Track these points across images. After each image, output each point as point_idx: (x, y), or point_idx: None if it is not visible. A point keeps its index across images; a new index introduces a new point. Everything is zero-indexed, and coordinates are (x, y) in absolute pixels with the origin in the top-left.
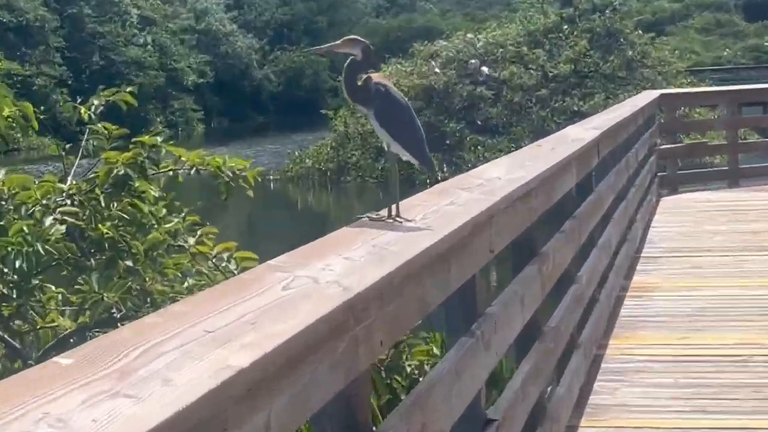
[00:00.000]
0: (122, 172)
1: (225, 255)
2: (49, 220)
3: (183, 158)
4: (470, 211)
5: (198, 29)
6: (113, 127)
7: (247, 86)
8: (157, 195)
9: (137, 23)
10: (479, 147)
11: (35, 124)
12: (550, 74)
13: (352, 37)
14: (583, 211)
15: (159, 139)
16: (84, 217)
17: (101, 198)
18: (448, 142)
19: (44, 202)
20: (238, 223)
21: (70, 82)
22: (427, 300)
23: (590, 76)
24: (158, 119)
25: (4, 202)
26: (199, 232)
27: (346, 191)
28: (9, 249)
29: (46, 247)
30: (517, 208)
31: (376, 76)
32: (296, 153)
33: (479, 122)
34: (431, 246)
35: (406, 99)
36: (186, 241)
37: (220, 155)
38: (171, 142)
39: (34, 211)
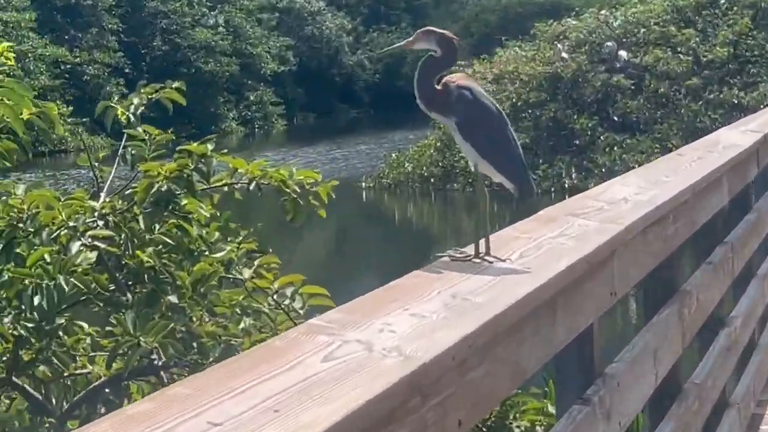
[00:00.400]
0: (165, 187)
1: (289, 291)
2: (76, 246)
3: (241, 170)
4: (584, 246)
5: (279, 7)
6: (156, 131)
7: (337, 75)
8: (208, 215)
9: (206, 1)
10: (615, 148)
11: (60, 129)
12: (704, 59)
13: (427, 28)
14: (739, 236)
15: (210, 146)
16: (120, 242)
17: (140, 219)
18: (577, 142)
19: (71, 224)
20: (322, 243)
21: (127, 71)
22: (525, 363)
23: (753, 61)
24: (230, 115)
25: (22, 225)
26: (256, 262)
27: (453, 202)
28: (26, 282)
29: (71, 279)
30: (649, 238)
31: (458, 78)
32: (393, 155)
33: (616, 118)
34: (530, 294)
35: (498, 106)
36: (240, 273)
37: (286, 166)
38: (224, 151)
39: (59, 235)
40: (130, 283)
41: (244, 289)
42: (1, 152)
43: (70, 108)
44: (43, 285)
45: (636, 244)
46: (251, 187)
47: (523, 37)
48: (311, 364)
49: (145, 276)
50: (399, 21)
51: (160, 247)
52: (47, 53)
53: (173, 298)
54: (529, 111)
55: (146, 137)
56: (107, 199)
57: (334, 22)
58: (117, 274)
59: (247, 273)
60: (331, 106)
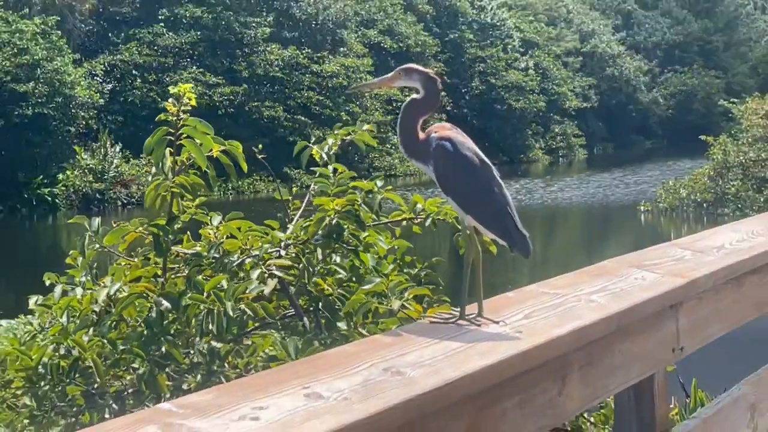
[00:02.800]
0: (335, 221)
1: None
2: (255, 274)
3: (419, 205)
4: (616, 305)
5: (583, 51)
6: (342, 167)
7: (634, 111)
8: (387, 247)
9: (519, 47)
10: None
11: (244, 165)
12: None
13: (408, 66)
14: None
15: (378, 183)
16: (297, 270)
17: (318, 250)
18: None
19: (255, 252)
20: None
21: (448, 108)
22: None
23: None
24: (537, 145)
25: (206, 253)
26: (406, 295)
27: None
28: (201, 308)
29: (241, 306)
30: (745, 289)
31: (440, 128)
32: (670, 182)
33: None
34: (487, 368)
35: (482, 155)
36: (390, 304)
37: None
38: (389, 188)
39: (244, 263)
40: (311, 308)
41: (396, 319)
42: (186, 186)
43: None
44: (215, 311)
45: (717, 296)
46: (427, 223)
47: None
48: None
49: (319, 304)
50: (692, 62)
51: (342, 275)
52: (381, 92)
53: (343, 325)
54: None
55: (332, 174)
56: (290, 233)
57: (632, 64)
58: (300, 300)
59: (396, 304)
60: (628, 138)
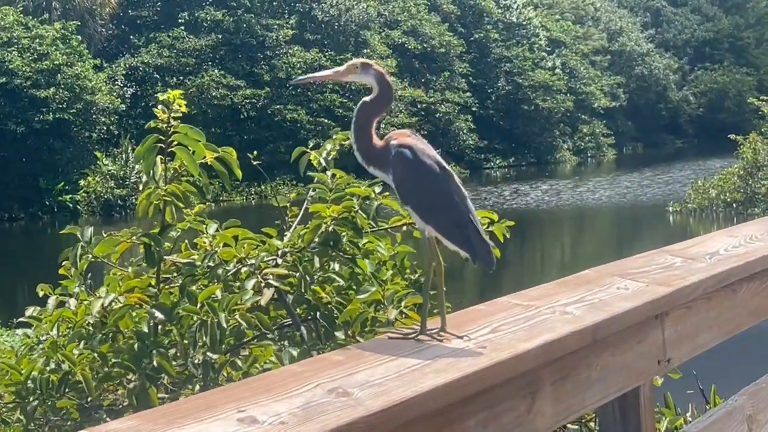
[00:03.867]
0: (331, 228)
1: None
2: (251, 284)
3: None
4: (591, 317)
5: (611, 50)
6: (340, 173)
7: (664, 109)
8: (387, 254)
9: (546, 46)
10: None
11: (238, 172)
12: None
13: (365, 61)
14: None
15: (376, 189)
16: (295, 279)
17: (315, 258)
18: None
19: (250, 261)
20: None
21: (474, 108)
22: None
23: None
24: (565, 145)
25: (199, 263)
26: (403, 303)
27: None
28: (195, 319)
29: (236, 317)
30: (741, 295)
31: (400, 134)
32: (699, 182)
33: None
34: (442, 387)
35: (444, 163)
36: (386, 313)
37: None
38: (386, 194)
39: (239, 272)
40: (309, 317)
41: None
42: (178, 195)
43: None
44: (208, 322)
45: (708, 304)
46: None
47: None
48: None
49: (317, 313)
50: (722, 60)
51: (341, 283)
52: (406, 94)
53: (340, 334)
54: None
55: (330, 180)
56: (287, 240)
57: (662, 62)
58: (298, 309)
59: (393, 313)
60: (658, 138)
